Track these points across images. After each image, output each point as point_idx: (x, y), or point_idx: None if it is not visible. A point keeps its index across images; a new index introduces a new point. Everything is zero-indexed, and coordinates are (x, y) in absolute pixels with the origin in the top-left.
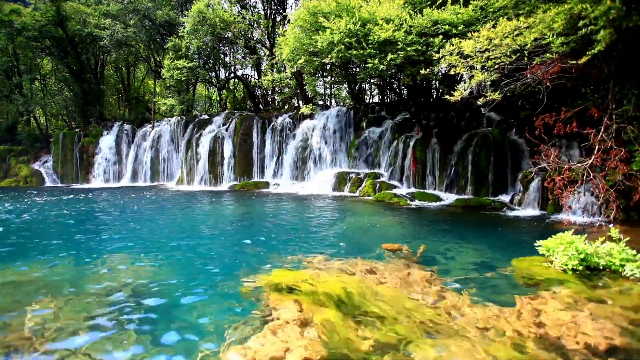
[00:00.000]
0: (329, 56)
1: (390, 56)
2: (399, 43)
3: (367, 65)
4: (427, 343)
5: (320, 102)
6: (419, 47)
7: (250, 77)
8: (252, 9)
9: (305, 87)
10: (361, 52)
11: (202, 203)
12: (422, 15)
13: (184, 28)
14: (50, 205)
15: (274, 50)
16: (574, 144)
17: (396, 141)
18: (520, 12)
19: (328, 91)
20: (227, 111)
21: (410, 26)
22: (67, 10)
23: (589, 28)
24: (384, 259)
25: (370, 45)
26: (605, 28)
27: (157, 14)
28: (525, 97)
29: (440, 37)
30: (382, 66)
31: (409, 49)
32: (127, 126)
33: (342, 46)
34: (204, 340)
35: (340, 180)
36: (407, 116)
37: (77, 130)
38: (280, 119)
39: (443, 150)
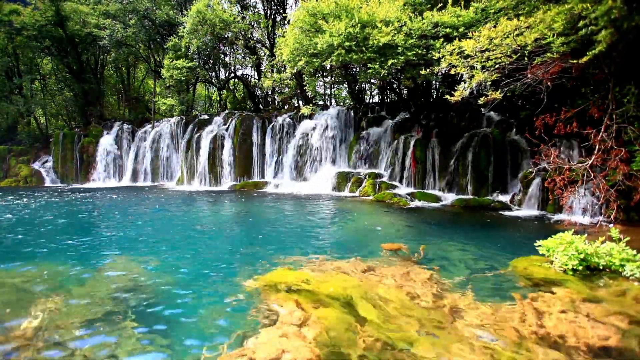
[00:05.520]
0: (329, 59)
1: (390, 61)
2: (398, 47)
3: (368, 71)
4: (427, 343)
5: (320, 102)
6: (419, 51)
7: (250, 77)
8: (252, 8)
9: (305, 87)
10: (361, 55)
11: (202, 203)
12: (423, 18)
13: (184, 28)
14: (51, 205)
15: (274, 51)
16: (574, 144)
17: (396, 141)
18: (521, 12)
19: (328, 91)
20: (227, 111)
21: (410, 29)
22: (67, 10)
23: (590, 28)
24: (383, 258)
25: (369, 49)
26: (606, 28)
27: (157, 13)
28: (526, 97)
29: (441, 40)
30: (383, 71)
31: (409, 53)
32: (127, 126)
33: (342, 50)
34: (204, 341)
35: (340, 180)
36: (407, 116)
37: (77, 130)
38: (280, 119)
39: (443, 150)
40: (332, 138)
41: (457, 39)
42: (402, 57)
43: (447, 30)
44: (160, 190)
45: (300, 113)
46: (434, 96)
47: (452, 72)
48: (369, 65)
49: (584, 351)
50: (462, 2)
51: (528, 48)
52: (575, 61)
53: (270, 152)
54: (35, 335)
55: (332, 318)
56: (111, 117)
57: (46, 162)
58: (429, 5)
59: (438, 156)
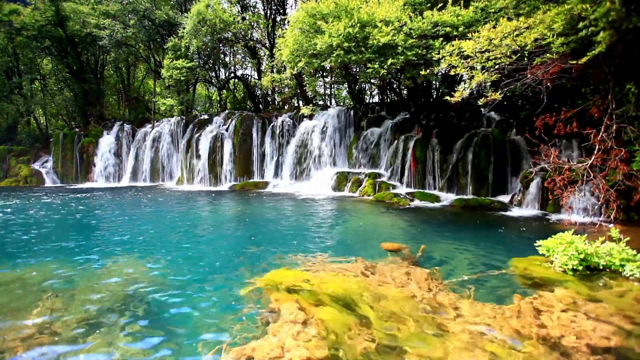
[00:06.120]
0: (329, 59)
1: (390, 60)
2: (398, 47)
3: (367, 71)
4: (427, 343)
5: (320, 102)
6: (419, 51)
7: (250, 77)
8: (252, 9)
9: (305, 87)
10: (360, 56)
11: (202, 203)
12: (422, 17)
13: (184, 29)
14: (50, 205)
15: (273, 51)
16: (574, 144)
17: (396, 141)
18: (521, 12)
19: (328, 91)
20: (227, 111)
21: (410, 29)
22: (67, 10)
23: (589, 29)
24: (383, 259)
25: (369, 50)
26: (605, 29)
27: (157, 13)
28: (525, 97)
29: (441, 39)
30: (382, 71)
31: (409, 53)
32: (127, 126)
33: (342, 51)
34: (204, 341)
35: (340, 180)
36: (407, 116)
37: (77, 130)
38: (280, 119)
39: (443, 150)
40: (332, 138)
41: (456, 38)
42: (402, 57)
43: (447, 29)
44: (160, 191)
45: (300, 113)
46: (434, 96)
47: (452, 72)
48: (369, 65)
49: (584, 351)
50: (462, 2)
51: (527, 48)
52: (575, 62)
53: (270, 152)
54: (35, 335)
55: (332, 318)
56: (111, 117)
57: (46, 162)
58: (429, 5)
59: (438, 156)
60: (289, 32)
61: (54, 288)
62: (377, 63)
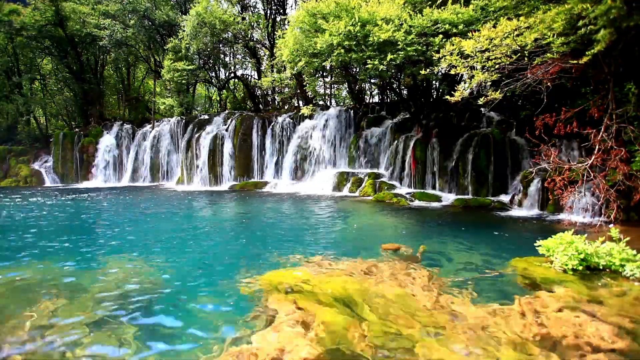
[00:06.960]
0: (329, 59)
1: (390, 56)
2: (399, 43)
3: (367, 67)
4: (427, 343)
5: (320, 102)
6: (419, 47)
7: (250, 77)
8: (252, 9)
9: (305, 87)
10: (360, 55)
11: (202, 203)
12: (422, 15)
13: (184, 32)
14: (50, 205)
15: (274, 51)
16: (574, 144)
17: (396, 141)
18: (521, 12)
19: (328, 91)
20: (227, 111)
21: (410, 26)
22: (66, 10)
23: (589, 28)
24: (384, 259)
25: (369, 47)
26: (605, 28)
27: (157, 13)
28: (525, 97)
29: (441, 36)
30: (382, 66)
31: (409, 49)
32: (127, 126)
33: (342, 50)
34: (204, 341)
35: (340, 180)
36: (407, 116)
37: (77, 130)
38: (280, 119)
39: (443, 150)
40: (332, 138)
41: (456, 36)
42: (402, 53)
43: (447, 27)
44: (160, 191)
45: (300, 113)
46: (434, 96)
47: (452, 72)
48: (368, 61)
49: (584, 351)
50: (462, 0)
51: (528, 48)
52: (575, 61)
53: (270, 152)
54: (35, 335)
55: (332, 318)
56: (111, 117)
57: (46, 162)
58: (429, 3)
59: (438, 156)
60: (289, 31)
61: (54, 288)
62: (376, 59)
